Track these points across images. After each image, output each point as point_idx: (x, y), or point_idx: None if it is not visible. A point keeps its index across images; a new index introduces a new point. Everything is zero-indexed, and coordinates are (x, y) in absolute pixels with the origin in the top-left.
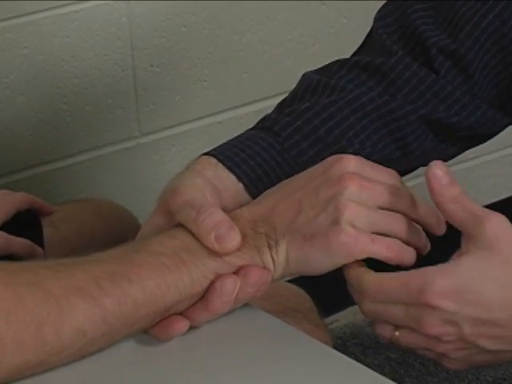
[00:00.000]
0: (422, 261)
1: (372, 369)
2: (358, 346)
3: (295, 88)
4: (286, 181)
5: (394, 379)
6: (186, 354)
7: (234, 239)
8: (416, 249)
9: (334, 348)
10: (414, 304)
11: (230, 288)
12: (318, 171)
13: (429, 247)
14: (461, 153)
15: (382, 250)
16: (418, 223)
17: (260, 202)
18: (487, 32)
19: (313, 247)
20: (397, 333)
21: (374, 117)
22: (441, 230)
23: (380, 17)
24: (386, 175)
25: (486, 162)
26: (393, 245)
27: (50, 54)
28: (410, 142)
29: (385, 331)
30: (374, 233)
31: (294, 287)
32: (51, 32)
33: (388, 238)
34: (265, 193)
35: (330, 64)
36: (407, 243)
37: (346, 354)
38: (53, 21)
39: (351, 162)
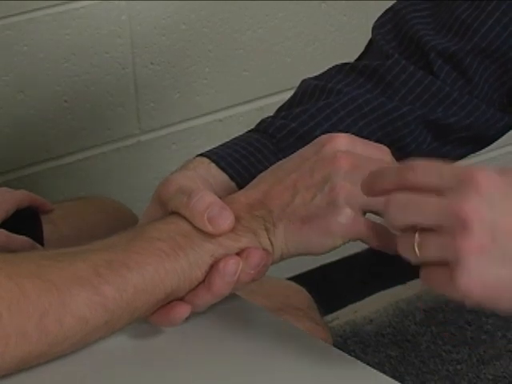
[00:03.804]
0: None
1: (372, 367)
2: (358, 343)
3: (293, 93)
4: (279, 163)
5: (394, 377)
6: (186, 351)
7: (226, 219)
8: None
9: (334, 346)
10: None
11: (233, 268)
12: (311, 151)
13: None
14: (463, 157)
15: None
16: None
17: (255, 185)
18: (488, 38)
19: (311, 230)
20: (418, 239)
21: (370, 118)
22: None
23: (378, 25)
24: (378, 152)
25: (487, 160)
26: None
27: (50, 51)
28: (407, 143)
29: (408, 238)
30: (366, 212)
31: (295, 285)
32: (51, 30)
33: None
34: (259, 176)
35: (328, 70)
36: None
37: (346, 352)
38: (53, 18)
39: (343, 141)
